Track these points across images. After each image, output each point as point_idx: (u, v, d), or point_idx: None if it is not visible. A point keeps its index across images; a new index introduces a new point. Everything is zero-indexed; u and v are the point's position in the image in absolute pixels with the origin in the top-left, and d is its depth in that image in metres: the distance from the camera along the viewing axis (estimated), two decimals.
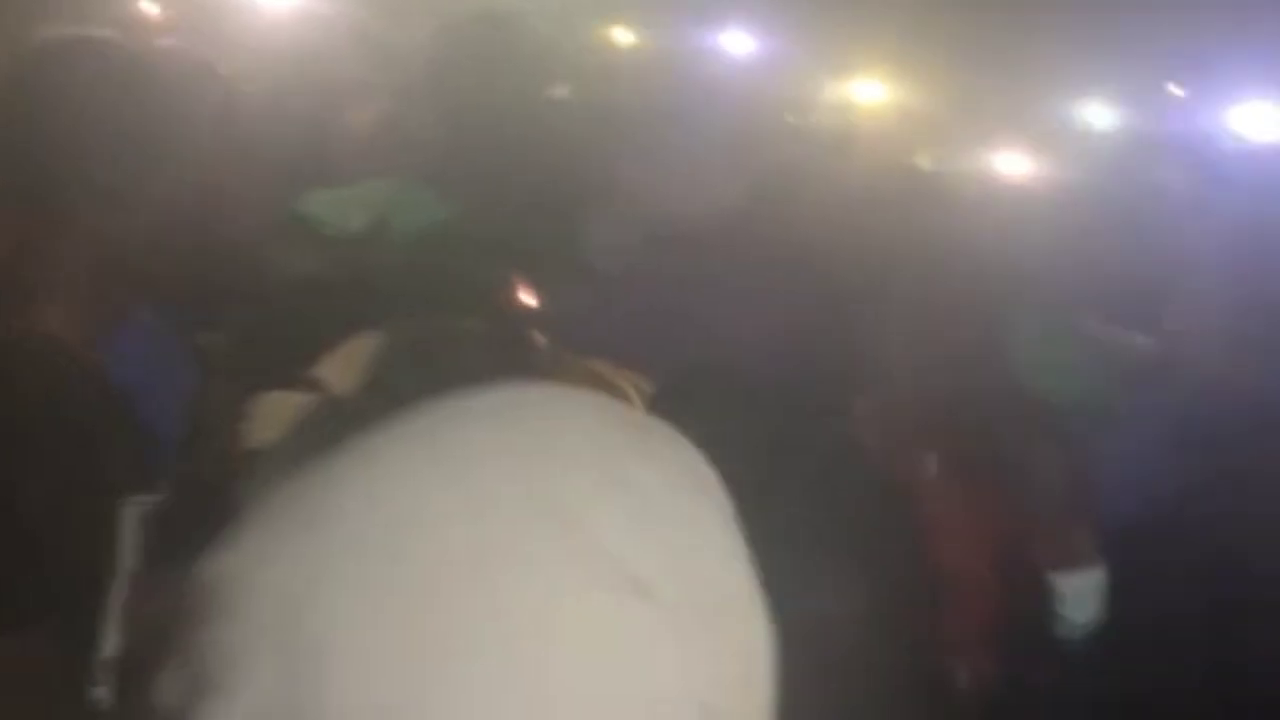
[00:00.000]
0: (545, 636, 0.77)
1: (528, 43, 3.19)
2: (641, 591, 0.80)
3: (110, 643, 2.05)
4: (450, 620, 0.77)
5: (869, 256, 3.03)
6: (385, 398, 0.91)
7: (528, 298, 2.70)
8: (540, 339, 2.26)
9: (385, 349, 1.53)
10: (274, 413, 1.49)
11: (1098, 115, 5.75)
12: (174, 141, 2.66)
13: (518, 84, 3.09)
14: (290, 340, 2.25)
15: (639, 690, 0.79)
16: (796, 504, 2.16)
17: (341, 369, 1.53)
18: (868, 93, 5.66)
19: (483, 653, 0.77)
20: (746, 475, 0.95)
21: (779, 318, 2.80)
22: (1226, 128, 5.02)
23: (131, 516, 2.10)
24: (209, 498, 1.50)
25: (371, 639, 0.76)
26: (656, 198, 3.10)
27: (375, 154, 3.36)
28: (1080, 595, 2.78)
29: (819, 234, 3.14)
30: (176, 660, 0.80)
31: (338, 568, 0.78)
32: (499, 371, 0.97)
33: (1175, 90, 5.79)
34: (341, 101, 3.64)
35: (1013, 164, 5.21)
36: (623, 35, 5.44)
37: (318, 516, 0.81)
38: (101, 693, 2.02)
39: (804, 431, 2.37)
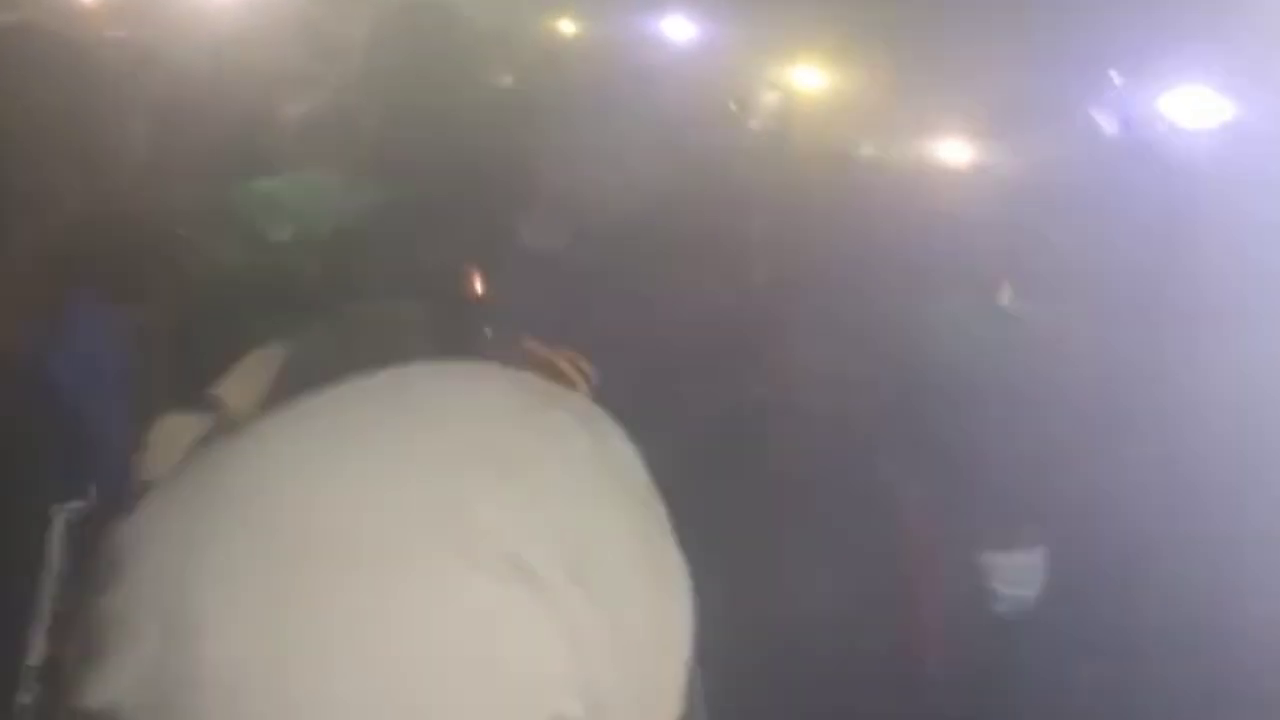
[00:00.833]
0: (421, 620, 0.77)
1: (462, 31, 3.19)
2: (526, 577, 0.79)
3: (38, 650, 2.04)
4: (325, 600, 0.77)
5: (804, 240, 3.06)
6: None
7: (476, 283, 2.70)
8: (481, 323, 2.27)
9: (287, 362, 1.52)
10: (171, 438, 1.46)
11: (1041, 102, 5.76)
12: (116, 131, 2.65)
13: (452, 72, 3.09)
14: (224, 336, 2.25)
15: (519, 677, 0.78)
16: (731, 487, 2.18)
17: (240, 387, 1.52)
18: (811, 79, 5.67)
19: (357, 634, 0.76)
20: (680, 464, 0.95)
21: (712, 302, 2.82)
22: (1162, 114, 5.04)
23: (61, 523, 2.08)
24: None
25: (248, 615, 0.77)
26: (590, 184, 3.11)
27: (314, 143, 3.36)
28: (1021, 574, 2.80)
29: (755, 218, 3.17)
30: (76, 630, 0.81)
31: (220, 543, 0.79)
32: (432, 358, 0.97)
33: (1114, 77, 5.80)
34: (283, 91, 3.63)
35: (955, 151, 5.23)
36: (567, 25, 5.44)
37: (206, 492, 0.82)
38: (28, 699, 2.02)
39: (735, 413, 2.39)
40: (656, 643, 0.86)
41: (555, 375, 2.21)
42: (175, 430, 1.49)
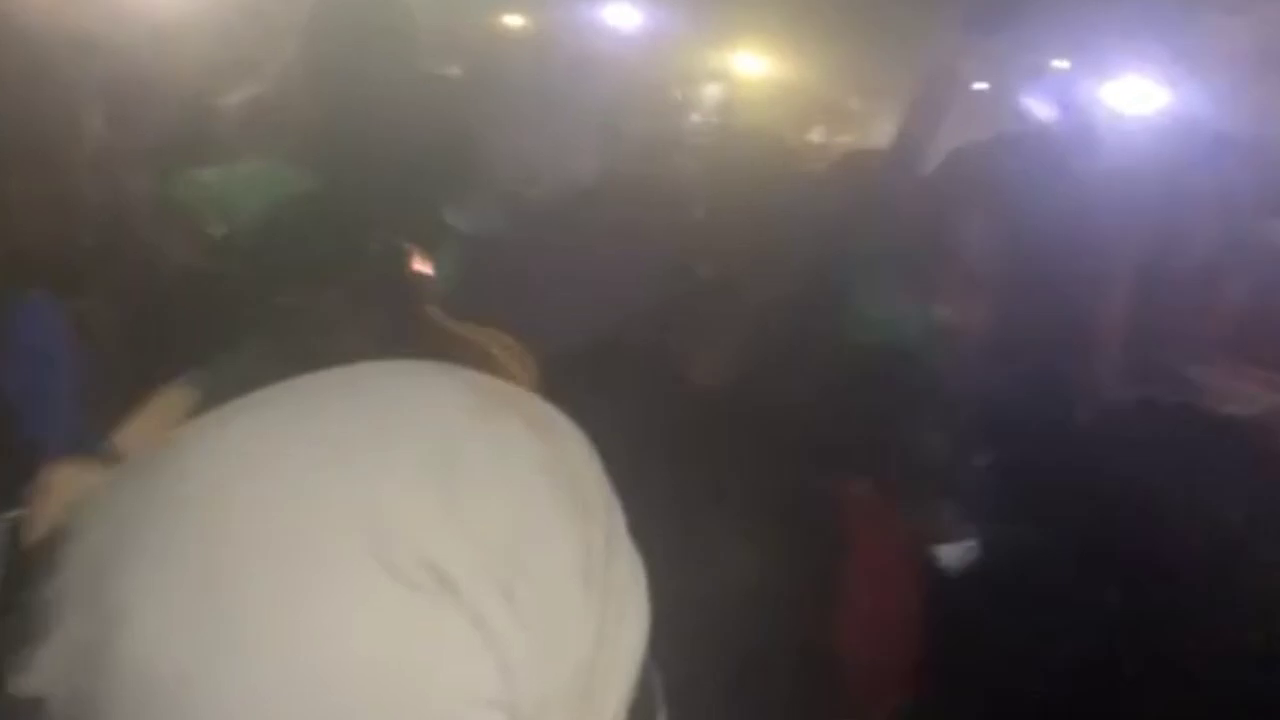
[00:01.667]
0: (334, 623, 0.77)
1: (400, 17, 3.18)
2: (445, 587, 0.79)
3: None
4: (242, 599, 0.77)
5: (743, 228, 3.08)
6: None
7: (422, 266, 2.70)
8: (429, 307, 2.26)
9: (198, 403, 1.48)
10: (70, 490, 1.42)
11: (986, 91, 5.79)
12: (56, 119, 2.63)
13: (390, 59, 3.09)
14: (171, 333, 2.23)
15: (432, 686, 0.78)
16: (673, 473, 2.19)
17: (144, 435, 1.48)
18: (755, 66, 5.70)
19: (272, 635, 0.77)
20: (621, 447, 0.94)
21: (647, 288, 2.83)
22: (1104, 102, 5.08)
23: (4, 531, 2.07)
24: None
25: (167, 610, 0.77)
26: (526, 169, 3.12)
27: (254, 132, 3.36)
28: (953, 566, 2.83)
29: (693, 204, 3.18)
30: (11, 619, 0.82)
31: (145, 537, 0.79)
32: (371, 348, 0.97)
33: (1058, 64, 5.83)
34: (222, 80, 3.63)
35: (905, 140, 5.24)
36: (513, 12, 5.44)
37: (140, 485, 0.82)
38: None
39: (674, 401, 2.39)
40: (597, 657, 0.85)
41: (492, 362, 2.22)
42: (73, 481, 1.46)
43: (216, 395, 1.51)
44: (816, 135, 5.25)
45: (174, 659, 0.76)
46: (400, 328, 2.11)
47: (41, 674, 0.79)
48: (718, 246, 3.11)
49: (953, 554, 2.80)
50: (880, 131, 5.31)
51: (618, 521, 0.90)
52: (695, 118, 4.82)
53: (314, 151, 3.03)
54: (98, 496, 0.84)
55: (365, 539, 0.78)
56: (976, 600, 2.67)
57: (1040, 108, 5.27)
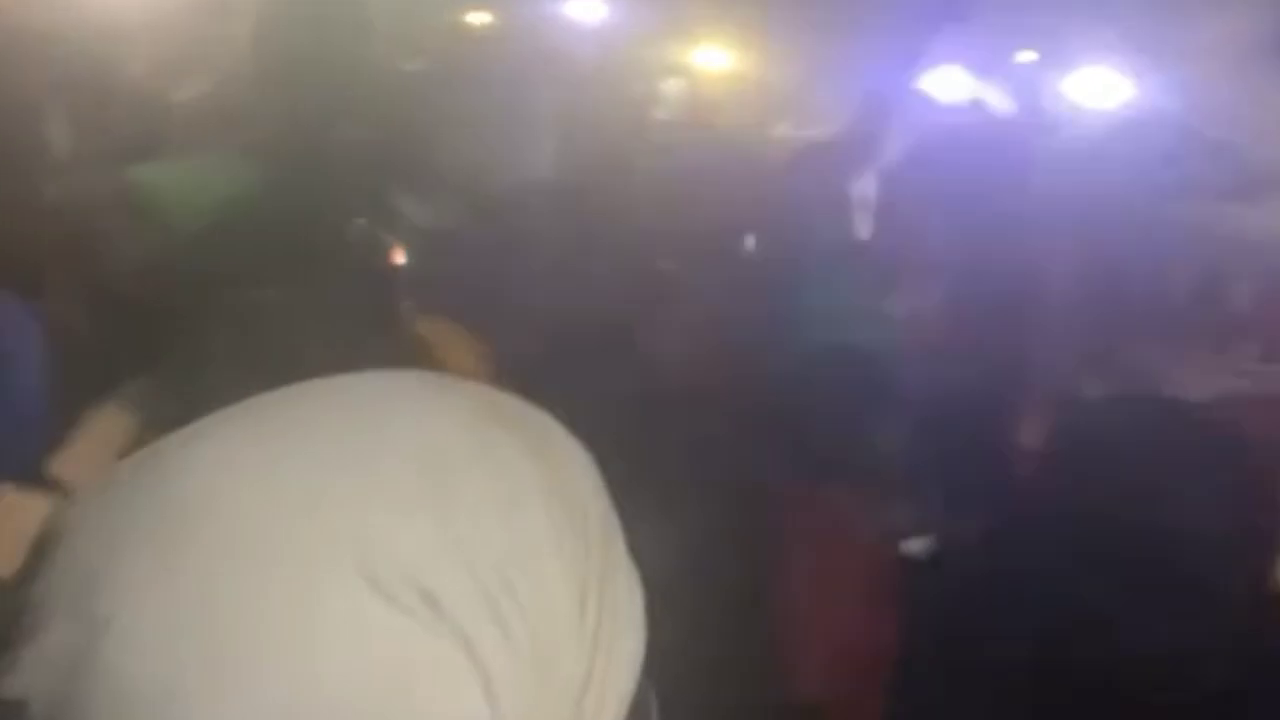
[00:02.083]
0: (322, 645, 0.76)
1: (354, 12, 3.18)
2: (437, 613, 0.77)
3: None
4: (230, 616, 0.76)
5: (704, 219, 3.08)
6: None
7: (398, 256, 2.68)
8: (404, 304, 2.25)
9: (135, 423, 1.46)
10: (12, 520, 1.40)
11: (948, 83, 5.80)
12: (15, 119, 2.62)
13: (343, 53, 3.08)
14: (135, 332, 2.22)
15: (420, 713, 0.77)
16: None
17: (84, 460, 1.46)
18: (721, 60, 5.69)
19: (259, 654, 0.75)
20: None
21: (606, 282, 2.83)
22: (1067, 95, 5.10)
23: None
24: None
25: (154, 620, 0.76)
26: (486, 164, 3.12)
27: (209, 126, 3.35)
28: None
29: (656, 200, 3.18)
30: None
31: (134, 547, 0.78)
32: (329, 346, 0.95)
33: (1024, 57, 5.85)
34: (178, 74, 3.62)
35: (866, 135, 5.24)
36: (475, 10, 5.42)
37: (134, 490, 0.81)
38: None
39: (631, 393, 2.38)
40: (589, 682, 0.84)
41: (453, 355, 2.21)
42: (10, 511, 1.44)
43: (176, 402, 1.50)
44: (783, 129, 5.24)
45: (157, 673, 0.76)
46: (374, 325, 2.10)
47: (24, 677, 0.78)
48: (677, 241, 3.11)
49: (914, 546, 2.80)
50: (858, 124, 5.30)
51: (616, 543, 0.88)
52: (658, 113, 4.81)
53: (267, 146, 3.01)
54: (89, 499, 0.82)
55: (355, 558, 0.77)
56: (945, 597, 2.67)
57: (1002, 99, 5.28)
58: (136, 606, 0.77)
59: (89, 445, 1.51)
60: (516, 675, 0.79)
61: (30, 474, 2.03)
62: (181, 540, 0.78)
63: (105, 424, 1.54)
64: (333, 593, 0.76)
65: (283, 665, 0.75)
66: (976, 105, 5.38)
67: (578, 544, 0.84)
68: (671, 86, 5.08)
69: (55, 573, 0.80)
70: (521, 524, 0.82)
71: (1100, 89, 5.07)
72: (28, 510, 1.40)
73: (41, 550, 0.81)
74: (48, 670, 0.78)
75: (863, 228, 3.31)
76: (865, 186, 3.60)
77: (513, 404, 0.89)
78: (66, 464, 1.48)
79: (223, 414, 0.85)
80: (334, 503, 0.78)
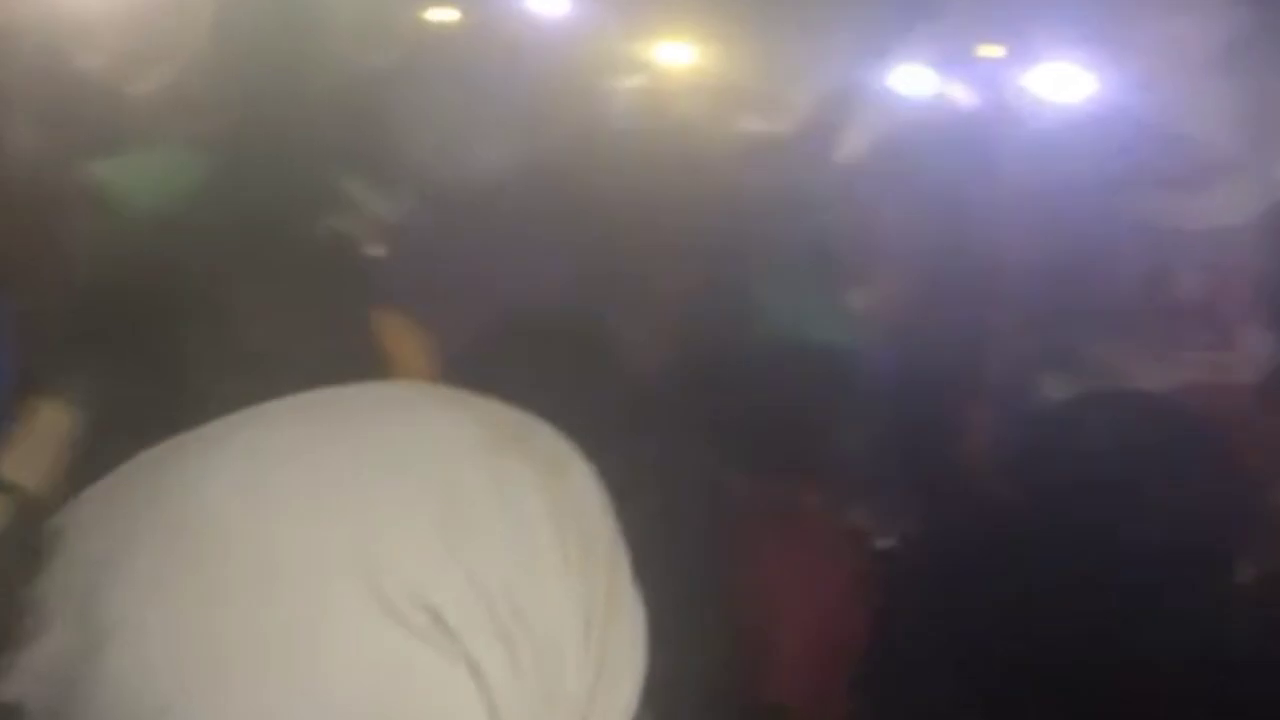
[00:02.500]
0: (327, 663, 0.76)
1: (311, 5, 3.17)
2: (444, 634, 0.77)
3: None
4: (236, 629, 0.75)
5: (663, 216, 3.07)
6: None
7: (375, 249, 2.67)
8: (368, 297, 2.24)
9: (81, 420, 1.44)
10: None
11: (910, 79, 5.82)
12: None
13: (300, 46, 3.07)
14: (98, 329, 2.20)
15: None
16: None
17: (31, 462, 1.45)
18: (686, 55, 5.69)
19: (263, 668, 0.75)
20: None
21: (566, 276, 2.83)
22: (1030, 90, 5.11)
23: None
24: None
25: (158, 629, 0.76)
26: (446, 157, 3.11)
27: (169, 118, 3.34)
28: None
29: (617, 193, 3.18)
30: None
31: (142, 552, 0.77)
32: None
33: (989, 51, 5.86)
34: (138, 66, 3.60)
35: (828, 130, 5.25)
36: (439, 4, 5.41)
37: (137, 496, 0.80)
38: None
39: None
40: (591, 707, 0.83)
41: (399, 346, 2.20)
42: None
43: (143, 399, 1.48)
44: (749, 125, 5.24)
45: (160, 683, 0.75)
46: (342, 322, 2.09)
47: (21, 681, 0.77)
48: (638, 238, 3.10)
49: (882, 543, 2.80)
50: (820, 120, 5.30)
51: (622, 567, 0.88)
52: (622, 108, 4.81)
53: (227, 138, 3.00)
54: (92, 500, 0.81)
55: (364, 576, 0.77)
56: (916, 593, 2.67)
57: (966, 94, 5.30)
58: (141, 616, 0.76)
59: (33, 442, 1.49)
60: (521, 697, 0.79)
61: None
62: (189, 551, 0.77)
63: (49, 420, 1.52)
64: (340, 610, 0.76)
65: (287, 680, 0.75)
66: (940, 100, 5.40)
67: (585, 566, 0.83)
68: (635, 82, 5.07)
69: (56, 576, 0.79)
70: (530, 546, 0.81)
71: (1063, 83, 5.08)
72: None
73: (41, 550, 0.80)
74: (46, 676, 0.77)
75: (822, 223, 3.31)
76: (828, 181, 3.61)
77: (523, 421, 0.88)
78: (9, 462, 1.46)
79: (231, 421, 0.84)
80: (345, 521, 0.78)
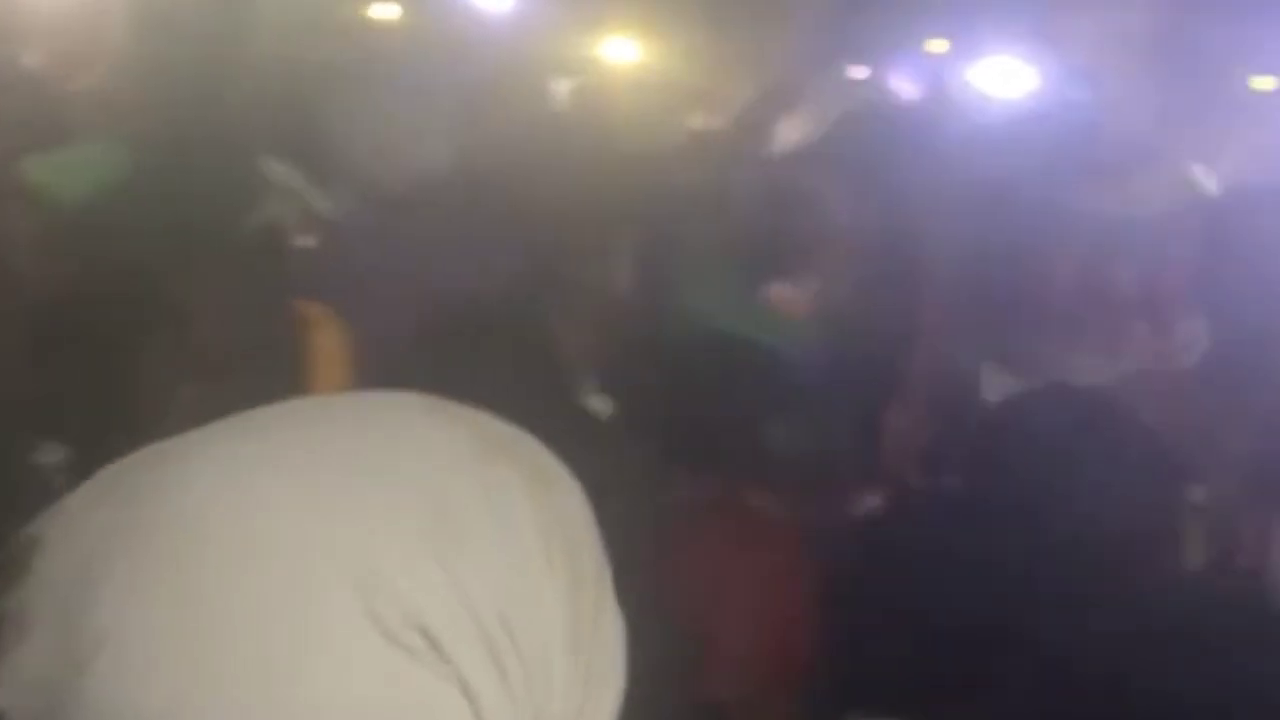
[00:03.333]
0: (318, 680, 0.74)
1: (238, 4, 3.16)
2: (437, 653, 0.76)
3: None
4: (225, 643, 0.74)
5: (605, 211, 3.07)
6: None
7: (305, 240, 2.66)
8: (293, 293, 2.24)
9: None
10: None
11: (855, 73, 5.84)
12: None
13: (227, 43, 3.07)
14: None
15: None
16: None
17: None
18: (629, 52, 5.67)
19: (253, 685, 0.74)
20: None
21: (501, 273, 2.82)
22: (973, 84, 5.15)
23: None
24: None
25: (147, 641, 0.75)
26: (378, 155, 3.10)
27: (105, 115, 3.32)
28: None
29: (557, 190, 3.17)
30: None
31: (126, 566, 0.76)
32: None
33: (935, 46, 5.89)
34: (74, 63, 3.59)
35: (773, 125, 5.26)
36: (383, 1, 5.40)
37: (124, 503, 0.78)
38: None
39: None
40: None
41: (320, 337, 2.19)
42: None
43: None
44: (693, 121, 5.23)
45: (148, 696, 0.74)
46: (272, 317, 2.08)
47: (6, 691, 0.76)
48: (576, 235, 3.10)
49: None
50: (767, 115, 5.32)
51: (605, 576, 0.87)
52: (564, 105, 4.80)
53: (159, 134, 2.99)
54: (74, 505, 0.80)
55: (357, 594, 0.75)
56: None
57: (908, 87, 5.32)
58: (128, 627, 0.75)
59: None
60: (512, 715, 0.78)
61: None
62: (173, 559, 0.76)
63: None
64: (333, 626, 0.75)
65: (277, 697, 0.74)
66: (883, 92, 5.42)
67: (573, 582, 0.82)
68: (578, 79, 5.07)
69: (36, 585, 0.77)
70: (522, 564, 0.80)
71: (1006, 78, 5.12)
72: None
73: (19, 560, 0.78)
74: (31, 686, 0.76)
75: (762, 218, 3.31)
76: (770, 176, 3.61)
77: (512, 435, 0.87)
78: None
79: (218, 429, 0.82)
80: (334, 530, 0.77)
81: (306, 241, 2.90)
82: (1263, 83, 5.06)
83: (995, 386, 2.99)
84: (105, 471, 0.82)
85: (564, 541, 0.83)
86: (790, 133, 4.44)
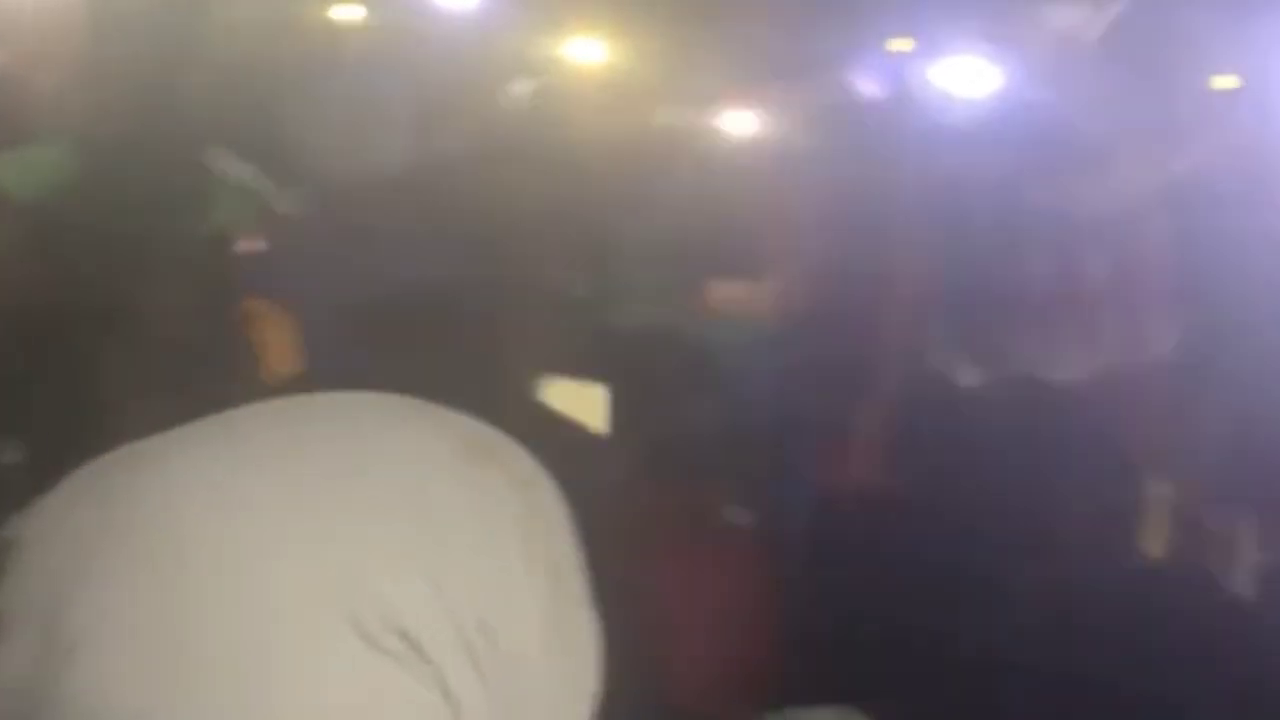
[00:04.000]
0: (298, 684, 0.75)
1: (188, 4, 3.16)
2: (417, 656, 0.77)
3: None
4: (204, 646, 0.75)
5: (565, 211, 3.07)
6: None
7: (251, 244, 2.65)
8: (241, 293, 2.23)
9: None
10: None
11: (821, 69, 5.84)
12: None
13: (177, 43, 3.06)
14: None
15: None
16: None
17: None
18: (591, 52, 5.67)
19: (231, 687, 0.74)
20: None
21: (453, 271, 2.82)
22: (936, 83, 5.15)
23: None
24: None
25: (124, 645, 0.75)
26: (336, 155, 3.10)
27: (63, 115, 3.31)
28: None
29: (518, 191, 3.17)
30: None
31: (107, 565, 0.76)
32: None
33: (900, 45, 5.90)
34: (24, 66, 3.58)
35: (738, 123, 5.26)
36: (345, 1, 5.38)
37: (100, 505, 0.79)
38: None
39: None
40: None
41: (265, 333, 2.19)
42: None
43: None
44: (657, 121, 5.23)
45: (125, 701, 0.74)
46: (219, 317, 2.07)
47: None
48: (532, 235, 3.10)
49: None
50: (731, 114, 5.32)
51: (580, 578, 0.88)
52: (526, 105, 4.80)
53: (111, 135, 2.98)
54: (50, 509, 0.80)
55: (337, 598, 0.76)
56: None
57: (871, 86, 5.33)
58: (105, 633, 0.75)
59: None
60: (489, 718, 0.79)
61: None
62: (156, 564, 0.76)
63: None
64: (311, 629, 0.76)
65: (255, 699, 0.74)
66: (846, 91, 5.42)
67: (551, 584, 0.84)
68: (542, 79, 5.07)
69: (14, 588, 0.78)
70: (502, 567, 0.81)
71: (969, 77, 5.12)
72: None
73: None
74: (11, 689, 0.76)
75: (722, 218, 3.32)
76: (734, 175, 3.62)
77: (493, 437, 0.87)
78: None
79: (196, 429, 0.83)
80: (315, 531, 0.77)
81: (259, 245, 2.90)
82: (1224, 81, 5.09)
83: (962, 381, 2.99)
84: (82, 471, 0.82)
85: (544, 544, 0.84)
86: (754, 132, 4.45)
